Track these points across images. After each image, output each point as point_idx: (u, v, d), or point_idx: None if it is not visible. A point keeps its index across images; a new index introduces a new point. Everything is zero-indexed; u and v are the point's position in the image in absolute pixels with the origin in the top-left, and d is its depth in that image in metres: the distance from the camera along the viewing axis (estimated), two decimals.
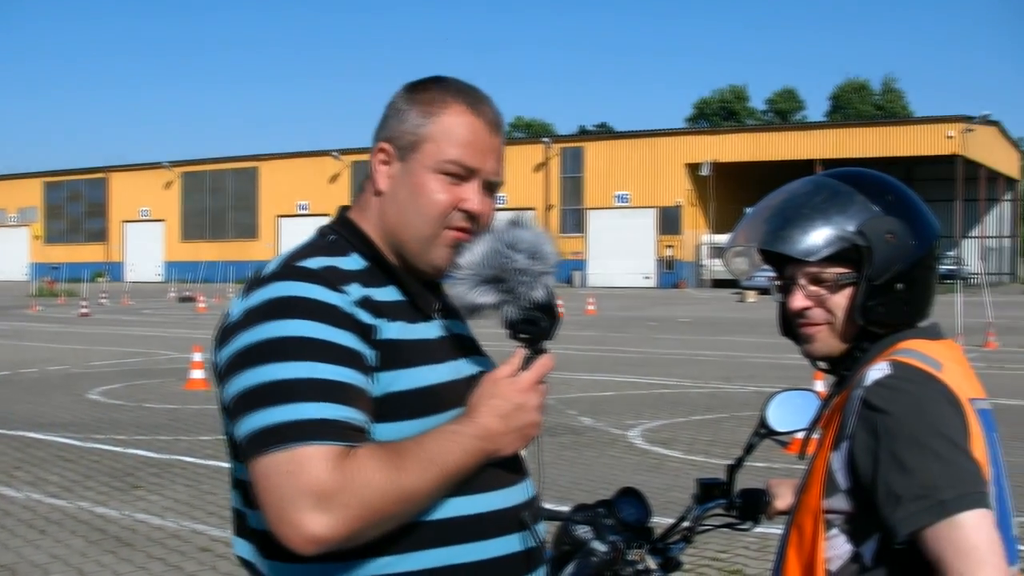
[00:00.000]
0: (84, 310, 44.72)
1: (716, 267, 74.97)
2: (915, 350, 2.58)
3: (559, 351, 22.76)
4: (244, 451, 2.26)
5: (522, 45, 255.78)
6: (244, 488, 2.40)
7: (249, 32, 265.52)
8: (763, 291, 50.22)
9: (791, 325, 2.81)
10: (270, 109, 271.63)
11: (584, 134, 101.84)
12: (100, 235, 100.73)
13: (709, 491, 3.23)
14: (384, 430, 2.34)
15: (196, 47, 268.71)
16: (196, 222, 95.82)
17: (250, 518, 2.41)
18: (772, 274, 2.85)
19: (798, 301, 2.69)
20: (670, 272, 78.03)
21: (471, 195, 2.52)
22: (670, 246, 78.29)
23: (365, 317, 2.36)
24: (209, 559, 8.60)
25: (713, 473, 3.29)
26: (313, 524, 2.14)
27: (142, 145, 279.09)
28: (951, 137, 71.34)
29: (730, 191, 76.62)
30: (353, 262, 2.47)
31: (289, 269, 2.39)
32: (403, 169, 2.52)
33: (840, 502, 2.49)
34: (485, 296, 2.43)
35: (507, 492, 2.50)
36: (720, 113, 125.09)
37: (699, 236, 77.88)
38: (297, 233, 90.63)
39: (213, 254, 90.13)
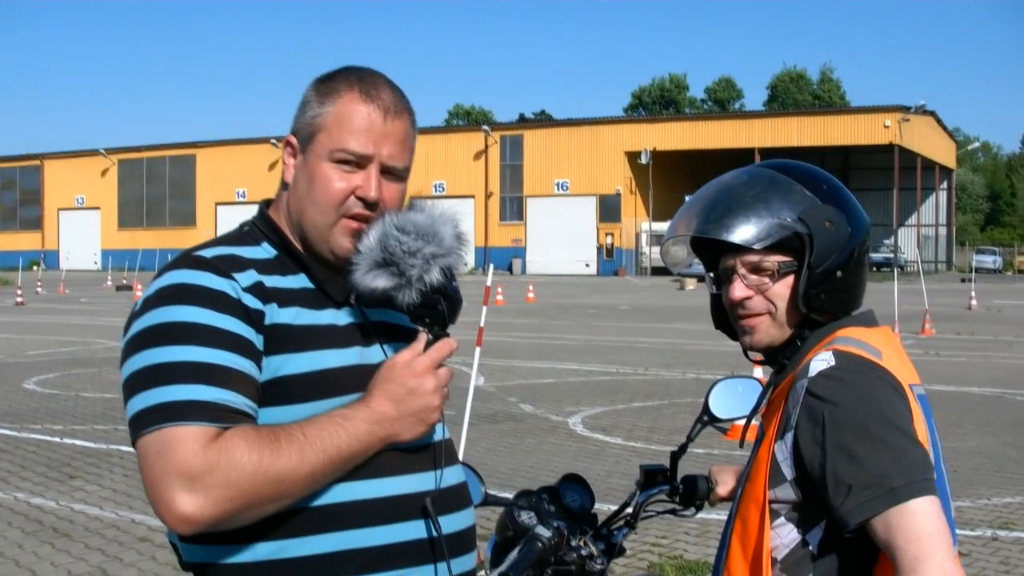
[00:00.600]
0: (19, 299, 44.22)
1: (656, 255, 75.22)
2: (854, 338, 2.59)
3: (499, 339, 22.89)
4: (130, 434, 2.29)
5: (461, 33, 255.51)
6: None
7: (187, 17, 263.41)
8: (702, 279, 50.32)
9: (724, 318, 2.83)
10: (208, 96, 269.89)
11: (524, 122, 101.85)
12: (35, 223, 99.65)
13: (652, 477, 3.24)
14: (273, 413, 2.34)
15: (132, 32, 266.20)
16: (133, 210, 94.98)
17: None
18: (702, 267, 2.87)
19: (739, 291, 2.68)
20: (610, 260, 78.25)
21: (366, 182, 2.51)
22: (610, 234, 78.48)
23: (252, 302, 2.38)
24: (148, 549, 8.54)
25: (654, 459, 3.32)
26: (183, 504, 2.16)
27: (77, 132, 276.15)
28: (888, 127, 71.98)
29: (669, 179, 76.90)
30: (262, 251, 2.53)
31: (184, 258, 2.45)
32: (302, 160, 2.55)
33: (786, 492, 2.50)
34: (379, 280, 2.42)
35: (409, 478, 2.47)
36: (659, 102, 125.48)
37: (638, 224, 78.11)
38: (235, 221, 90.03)
39: (151, 242, 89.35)
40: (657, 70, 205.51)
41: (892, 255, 70.00)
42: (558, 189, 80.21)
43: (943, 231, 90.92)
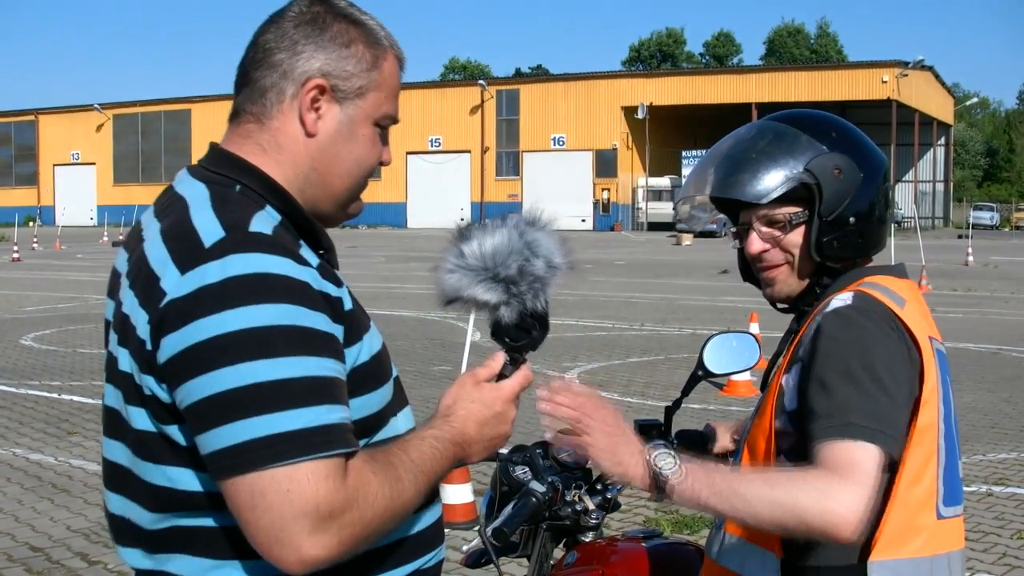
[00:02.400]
0: (15, 255, 44.14)
1: (652, 210, 75.20)
2: (881, 284, 2.61)
3: None
4: (221, 466, 1.96)
5: None
6: (136, 444, 2.13)
7: None
8: (699, 234, 50.45)
9: (751, 271, 2.85)
10: (203, 50, 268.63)
11: (520, 76, 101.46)
12: (30, 179, 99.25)
13: (647, 432, 3.24)
14: (356, 404, 2.12)
15: None
16: (129, 165, 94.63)
17: (136, 472, 2.15)
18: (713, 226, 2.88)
19: (755, 245, 2.72)
20: (606, 215, 78.15)
21: (387, 148, 2.37)
22: (606, 189, 78.35)
23: (332, 290, 2.11)
24: None
25: (650, 415, 3.31)
26: (312, 547, 1.93)
27: (72, 87, 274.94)
28: (886, 82, 71.77)
29: (666, 134, 76.78)
30: (270, 217, 2.15)
31: (245, 237, 2.04)
32: (344, 115, 2.24)
33: (785, 424, 2.54)
34: (489, 294, 2.24)
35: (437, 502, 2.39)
36: (656, 56, 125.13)
37: (635, 179, 77.97)
38: None
39: (146, 197, 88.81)
40: (655, 24, 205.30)
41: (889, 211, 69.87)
42: (554, 144, 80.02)
43: (940, 187, 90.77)
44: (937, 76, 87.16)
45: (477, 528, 2.74)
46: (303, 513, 1.91)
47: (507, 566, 3.29)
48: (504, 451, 3.08)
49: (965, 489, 8.94)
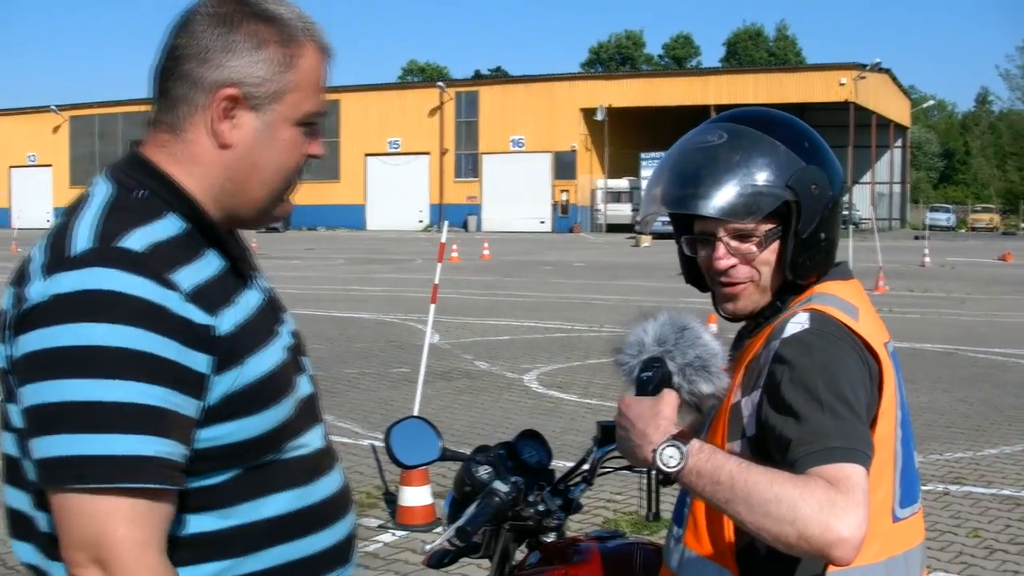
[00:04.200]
0: None
1: (611, 211, 75.34)
2: (832, 295, 2.57)
3: (454, 296, 22.84)
4: (42, 474, 1.99)
5: None
6: (36, 492, 2.11)
7: None
8: (657, 236, 50.49)
9: (695, 273, 2.76)
10: None
11: (479, 78, 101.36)
12: None
13: (609, 433, 3.22)
14: (226, 430, 2.10)
15: None
16: (85, 167, 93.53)
17: (39, 521, 2.13)
18: (668, 227, 2.79)
19: (725, 260, 2.61)
20: (565, 217, 78.18)
21: (316, 141, 2.29)
22: (565, 191, 78.38)
23: (199, 316, 2.05)
24: None
25: (609, 416, 3.32)
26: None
27: (28, 88, 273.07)
28: (843, 84, 72.17)
29: (625, 136, 76.87)
30: (170, 226, 2.12)
31: (109, 252, 2.01)
32: (259, 122, 2.18)
33: (743, 449, 2.46)
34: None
35: (334, 476, 2.38)
36: (616, 58, 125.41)
37: (594, 181, 78.04)
38: None
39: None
40: (614, 27, 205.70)
41: (847, 212, 70.28)
42: (513, 146, 80.00)
43: (897, 188, 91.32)
44: (894, 78, 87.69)
45: (440, 528, 2.76)
46: (88, 544, 1.94)
47: (469, 567, 3.29)
48: (467, 451, 3.08)
49: (922, 488, 9.01)
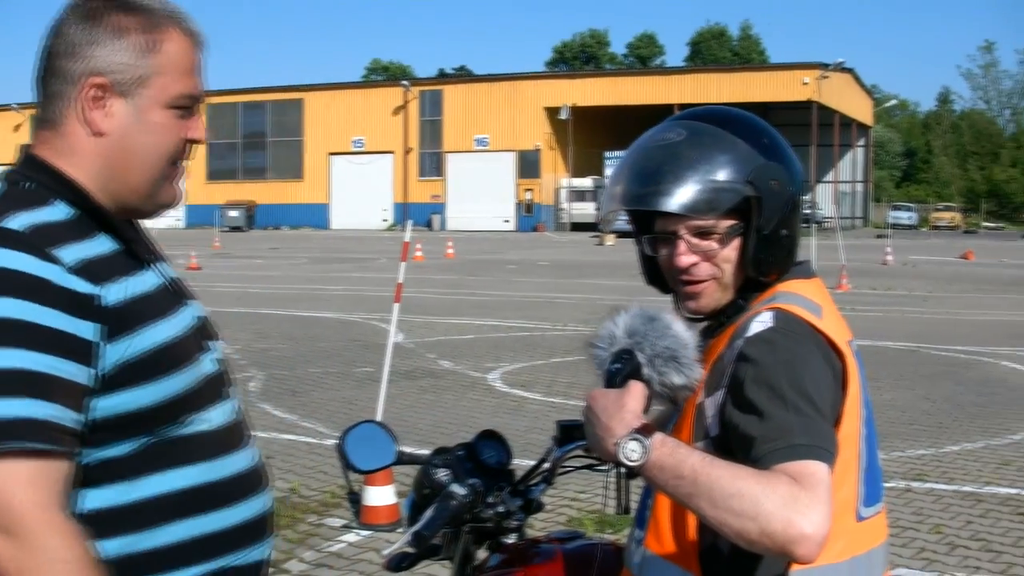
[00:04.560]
0: None
1: (576, 210, 75.44)
2: (796, 293, 2.55)
3: (418, 295, 22.74)
4: None
5: None
6: None
7: None
8: (621, 235, 50.54)
9: (656, 273, 2.74)
10: None
11: (443, 77, 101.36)
12: None
13: (569, 433, 3.20)
14: (125, 397, 2.16)
15: None
16: None
17: None
18: (629, 226, 2.77)
19: (686, 258, 2.59)
20: (529, 216, 78.26)
21: (197, 125, 2.36)
22: (529, 190, 78.46)
23: (82, 287, 2.11)
24: None
25: (573, 415, 3.31)
26: None
27: None
28: (807, 83, 72.57)
29: (589, 135, 77.02)
30: (58, 212, 2.20)
31: None
32: (130, 107, 2.26)
33: (705, 448, 2.41)
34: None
35: (243, 454, 2.44)
36: (580, 57, 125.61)
37: (558, 180, 78.16)
38: None
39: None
40: (578, 26, 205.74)
41: (810, 211, 70.59)
42: (477, 145, 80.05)
43: (860, 187, 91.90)
44: (857, 78, 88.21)
45: (401, 530, 2.75)
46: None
47: (430, 568, 3.28)
48: (427, 453, 3.06)
49: (885, 485, 9.03)
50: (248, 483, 2.41)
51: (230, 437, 2.40)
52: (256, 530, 2.41)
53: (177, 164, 2.35)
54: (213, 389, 2.38)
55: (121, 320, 2.16)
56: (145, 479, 2.22)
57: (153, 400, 2.21)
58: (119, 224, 2.29)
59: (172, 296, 2.36)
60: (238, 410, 2.48)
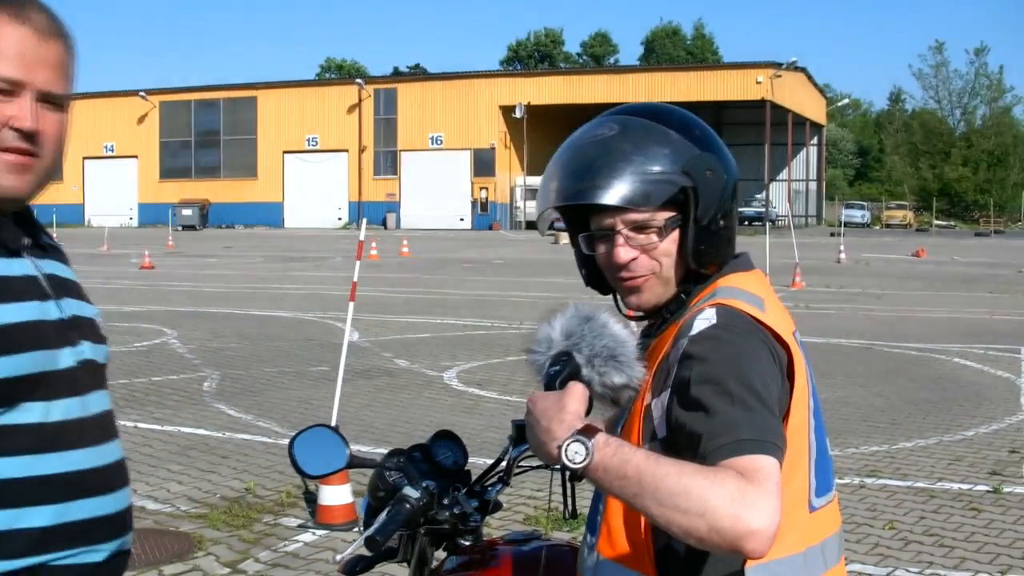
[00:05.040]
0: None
1: (531, 209, 75.43)
2: (737, 288, 2.54)
3: (373, 294, 22.70)
4: None
5: None
6: None
7: None
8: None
9: (595, 275, 2.73)
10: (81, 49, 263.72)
11: (398, 75, 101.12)
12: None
13: (524, 432, 3.21)
14: None
15: None
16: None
17: None
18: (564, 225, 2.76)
19: (625, 254, 2.56)
20: (484, 214, 78.23)
21: (21, 111, 2.24)
22: (484, 188, 78.43)
23: None
24: None
25: None
26: None
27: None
28: (760, 82, 72.82)
29: (544, 133, 76.96)
30: None
31: None
32: None
33: (657, 449, 2.38)
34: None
35: (87, 452, 2.35)
36: (535, 56, 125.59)
37: (513, 178, 78.16)
38: (104, 175, 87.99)
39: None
40: (533, 24, 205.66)
41: (764, 210, 70.90)
42: (432, 143, 79.93)
43: (813, 186, 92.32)
44: (810, 77, 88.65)
45: (356, 530, 2.73)
46: None
47: (387, 568, 3.27)
48: (383, 452, 3.04)
49: (838, 481, 9.08)
50: (83, 485, 2.32)
51: (68, 435, 2.30)
52: (90, 532, 2.32)
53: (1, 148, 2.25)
54: (64, 384, 2.30)
55: None
56: None
57: None
58: None
59: (35, 286, 2.30)
60: (96, 413, 2.40)
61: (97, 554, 2.34)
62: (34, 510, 2.22)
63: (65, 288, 2.39)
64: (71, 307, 2.38)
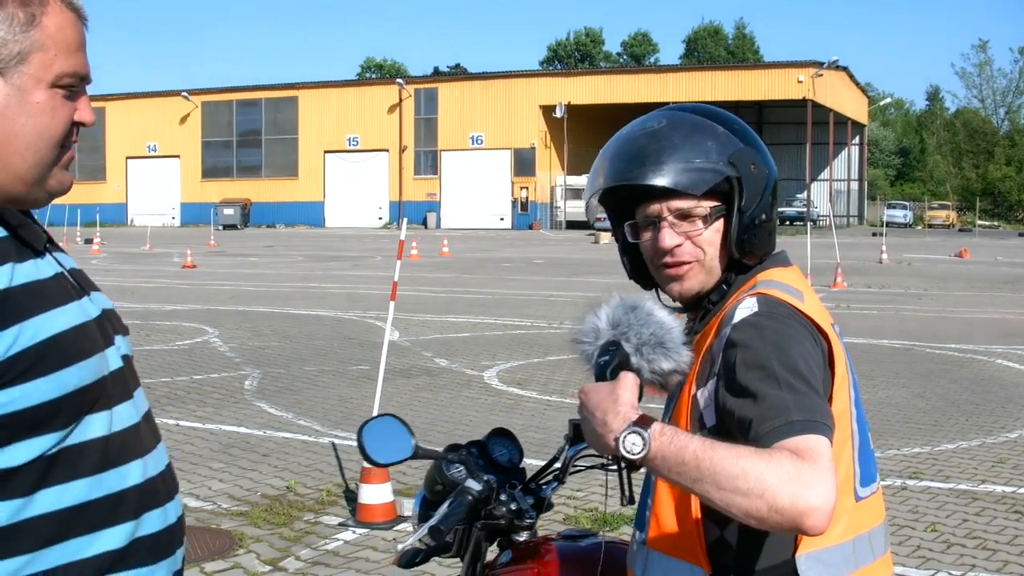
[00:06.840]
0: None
1: (571, 208, 75.43)
2: (777, 280, 2.59)
3: (413, 293, 22.72)
4: None
5: None
6: None
7: None
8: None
9: (639, 267, 2.80)
10: (118, 50, 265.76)
11: (438, 75, 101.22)
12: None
13: (580, 431, 3.21)
14: (12, 393, 2.00)
15: None
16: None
17: None
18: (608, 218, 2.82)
19: (670, 238, 2.64)
20: (524, 214, 78.23)
21: (84, 107, 2.18)
22: (524, 188, 78.43)
23: None
24: None
25: (570, 412, 3.31)
26: None
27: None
28: (801, 82, 72.53)
29: (584, 133, 76.95)
30: None
31: None
32: (9, 86, 2.08)
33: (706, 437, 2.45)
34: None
35: (143, 462, 2.25)
36: (575, 55, 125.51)
37: (553, 178, 78.16)
38: (147, 175, 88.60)
39: (59, 197, 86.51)
40: (573, 24, 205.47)
41: (805, 209, 70.65)
42: (473, 143, 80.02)
43: (855, 186, 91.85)
44: (851, 76, 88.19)
45: (411, 526, 2.73)
46: None
47: (429, 567, 3.28)
48: (439, 450, 3.06)
49: (880, 483, 9.04)
50: (156, 493, 2.25)
51: (130, 442, 2.22)
52: (159, 546, 2.25)
53: (65, 148, 2.17)
54: (118, 387, 2.23)
55: (8, 307, 2.01)
56: (41, 493, 2.06)
57: (39, 400, 2.04)
58: (4, 210, 2.12)
59: (69, 286, 2.20)
60: (145, 413, 2.31)
61: (164, 569, 2.27)
62: (106, 532, 2.13)
63: (86, 280, 2.30)
64: (99, 300, 2.30)
